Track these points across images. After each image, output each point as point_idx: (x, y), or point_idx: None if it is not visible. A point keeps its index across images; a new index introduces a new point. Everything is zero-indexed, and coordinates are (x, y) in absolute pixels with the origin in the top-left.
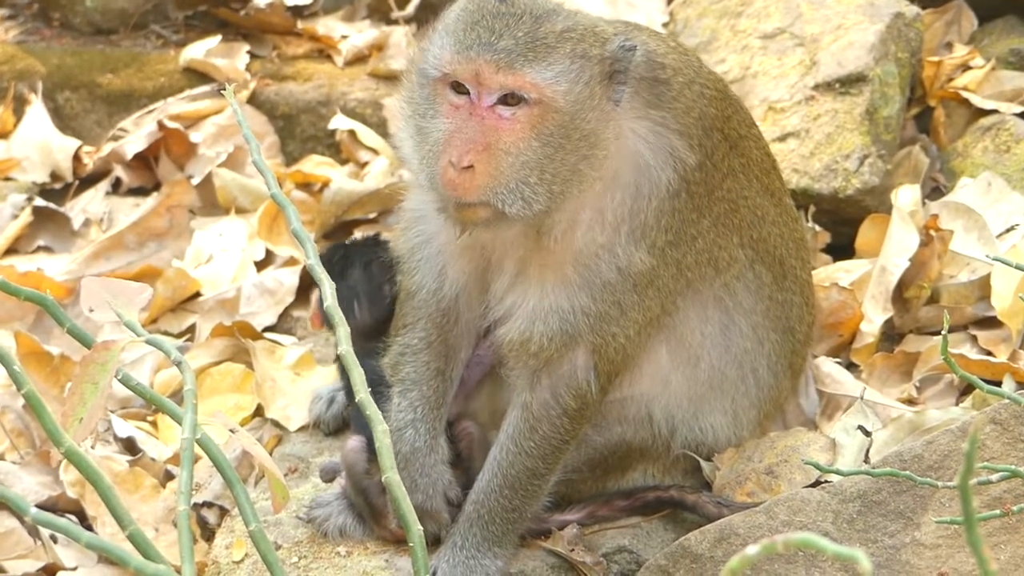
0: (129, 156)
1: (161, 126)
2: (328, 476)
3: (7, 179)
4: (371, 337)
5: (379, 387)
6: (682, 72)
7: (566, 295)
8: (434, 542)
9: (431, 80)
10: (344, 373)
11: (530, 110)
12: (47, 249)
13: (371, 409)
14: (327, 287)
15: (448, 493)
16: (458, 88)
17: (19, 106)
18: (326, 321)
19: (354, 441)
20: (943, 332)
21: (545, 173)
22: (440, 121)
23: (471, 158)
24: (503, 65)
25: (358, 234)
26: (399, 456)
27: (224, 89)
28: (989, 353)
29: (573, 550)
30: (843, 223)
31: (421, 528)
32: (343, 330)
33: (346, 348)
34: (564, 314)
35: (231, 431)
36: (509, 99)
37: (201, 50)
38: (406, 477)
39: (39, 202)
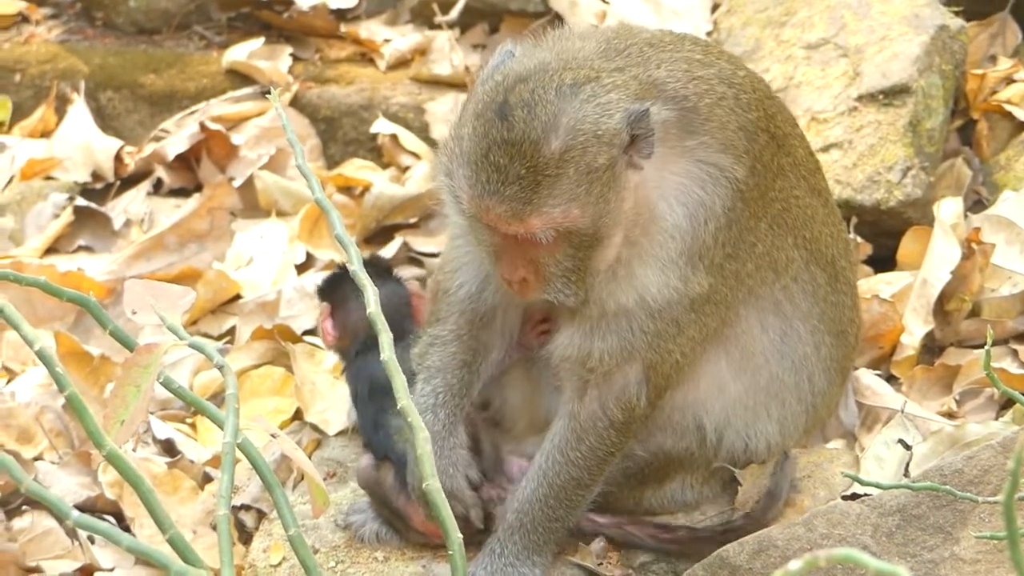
0: (171, 157)
1: (203, 127)
2: None
3: (49, 178)
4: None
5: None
6: (708, 93)
7: (625, 314)
8: (470, 530)
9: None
10: (350, 385)
11: (557, 231)
12: (88, 249)
13: (412, 416)
14: (371, 293)
15: (468, 473)
16: None
17: (61, 105)
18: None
19: (362, 460)
20: (986, 346)
21: (586, 268)
22: (485, 236)
23: (521, 274)
24: (512, 218)
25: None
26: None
27: (268, 92)
28: None
29: (601, 564)
30: (885, 235)
31: (461, 536)
32: (386, 336)
33: (389, 355)
34: (623, 332)
35: (272, 436)
36: None
37: (244, 52)
38: None
39: (80, 202)
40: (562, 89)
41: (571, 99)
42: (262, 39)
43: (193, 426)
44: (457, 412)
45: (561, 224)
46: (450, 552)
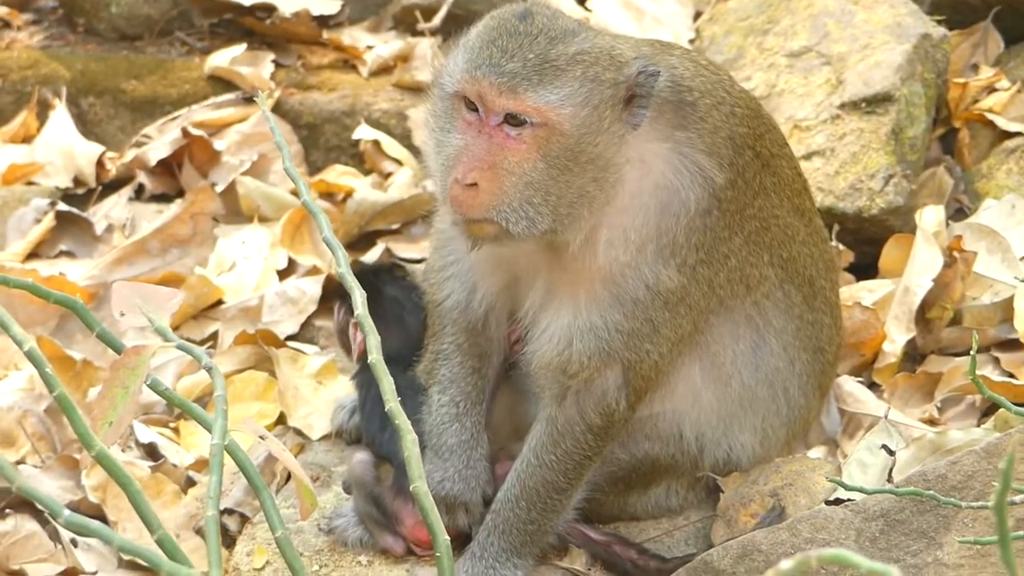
0: (152, 162)
1: (185, 133)
2: (350, 488)
3: (30, 183)
4: (419, 346)
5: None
6: (711, 93)
7: (598, 312)
8: (460, 539)
9: (448, 95)
10: (360, 388)
11: (535, 131)
12: (69, 254)
13: (400, 419)
14: (358, 296)
15: (487, 489)
16: (470, 105)
17: (43, 111)
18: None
19: (360, 454)
20: (972, 353)
21: (550, 194)
22: (454, 136)
23: (475, 176)
24: (505, 88)
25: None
26: (444, 448)
27: (251, 98)
28: (1011, 375)
29: (591, 569)
30: (867, 242)
31: (448, 538)
32: (374, 339)
33: (376, 357)
34: (599, 331)
35: (260, 437)
36: (514, 119)
37: (226, 58)
38: (450, 467)
39: (62, 207)
40: (583, 25)
41: (590, 31)
42: (244, 45)
43: (176, 430)
44: (480, 420)
45: (550, 117)
46: (437, 555)
